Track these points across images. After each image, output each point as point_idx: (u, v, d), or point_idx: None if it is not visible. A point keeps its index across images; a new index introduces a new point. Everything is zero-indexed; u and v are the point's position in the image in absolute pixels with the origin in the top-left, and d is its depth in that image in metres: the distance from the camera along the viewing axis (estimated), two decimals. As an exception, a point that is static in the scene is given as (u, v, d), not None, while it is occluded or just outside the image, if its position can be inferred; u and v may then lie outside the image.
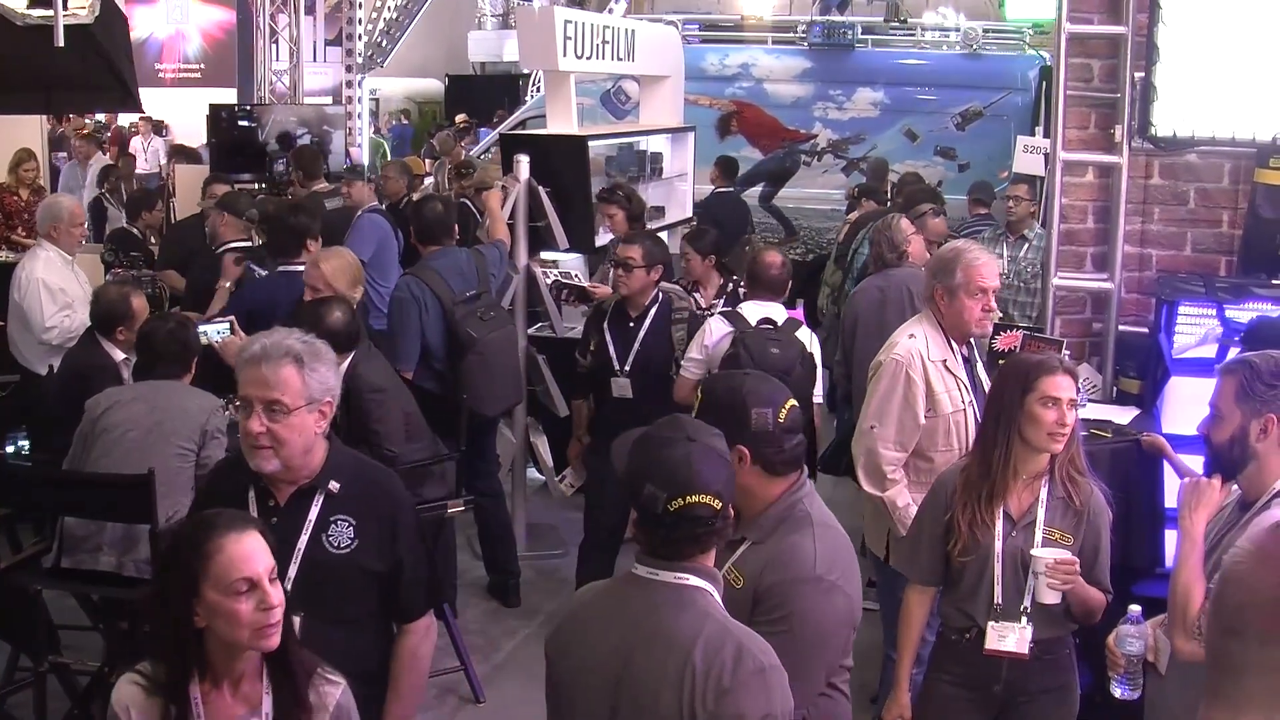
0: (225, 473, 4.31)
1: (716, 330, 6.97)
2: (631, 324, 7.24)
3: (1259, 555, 2.03)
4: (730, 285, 8.02)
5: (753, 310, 7.09)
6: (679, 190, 10.90)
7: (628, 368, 7.21)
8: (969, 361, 5.62)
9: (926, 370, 5.46)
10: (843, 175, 14.06)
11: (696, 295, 7.92)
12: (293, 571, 3.80)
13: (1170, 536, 6.42)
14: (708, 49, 14.62)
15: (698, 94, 13.55)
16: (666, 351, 7.22)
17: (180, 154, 15.34)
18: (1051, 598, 4.30)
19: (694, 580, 3.11)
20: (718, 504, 3.07)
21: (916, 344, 5.52)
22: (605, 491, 7.16)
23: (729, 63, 14.41)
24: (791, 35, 14.70)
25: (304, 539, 3.87)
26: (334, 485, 3.92)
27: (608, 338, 7.26)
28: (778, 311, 7.16)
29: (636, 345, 7.22)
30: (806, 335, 7.06)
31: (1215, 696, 2.04)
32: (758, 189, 14.40)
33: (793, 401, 3.70)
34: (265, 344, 3.84)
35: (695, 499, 3.04)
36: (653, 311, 7.25)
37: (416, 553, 4.09)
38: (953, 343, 5.55)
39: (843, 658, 3.75)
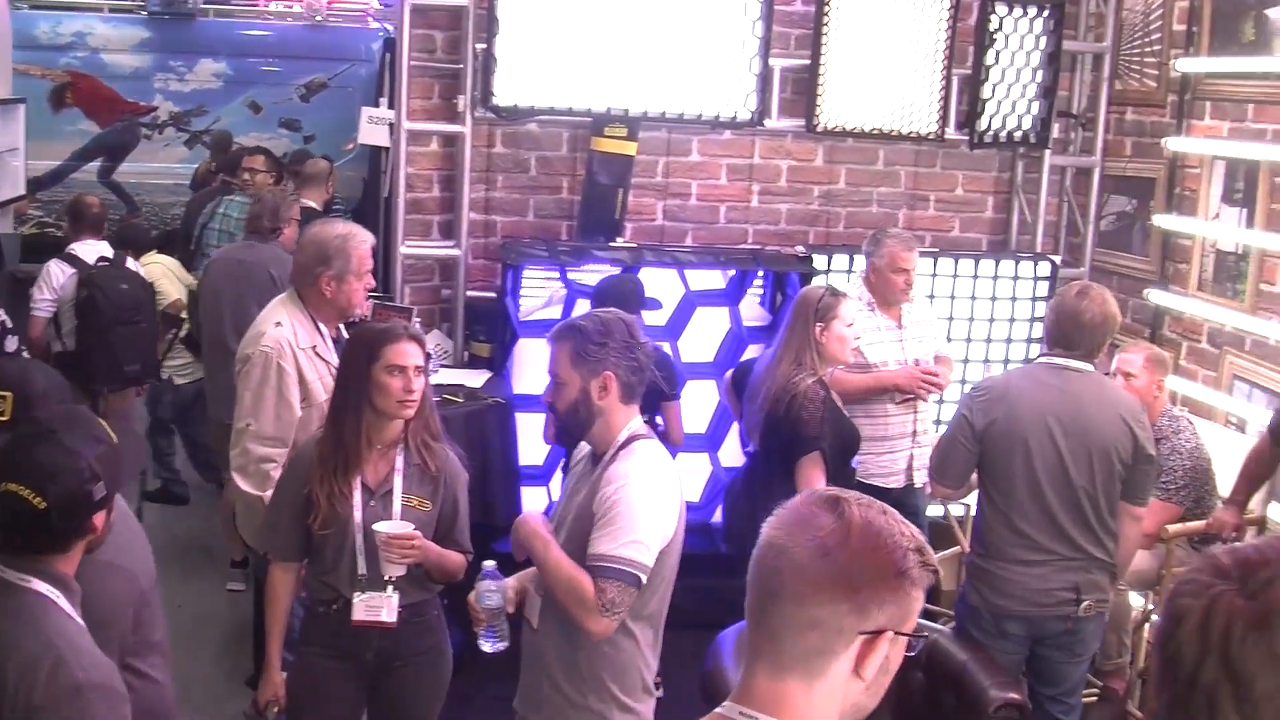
0: None
1: (59, 272, 7.41)
2: None
3: (793, 520, 2.08)
4: None
5: (87, 250, 7.58)
6: (10, 166, 10.30)
7: None
8: (339, 343, 5.33)
9: (297, 359, 5.19)
10: (185, 149, 13.67)
11: None
12: None
13: (526, 493, 6.69)
14: (39, 15, 13.82)
15: (28, 64, 12.81)
16: None
17: None
18: (397, 570, 4.34)
19: (38, 585, 2.96)
20: (39, 501, 2.91)
21: (284, 333, 5.21)
22: None
23: (62, 31, 13.67)
24: (130, 4, 14.13)
25: None
26: None
27: None
28: (107, 249, 7.67)
29: None
30: (138, 268, 7.82)
31: (758, 658, 2.09)
32: (96, 164, 13.78)
33: None
34: None
35: (8, 488, 2.91)
36: None
37: None
38: (321, 326, 5.33)
39: (136, 636, 3.63)
